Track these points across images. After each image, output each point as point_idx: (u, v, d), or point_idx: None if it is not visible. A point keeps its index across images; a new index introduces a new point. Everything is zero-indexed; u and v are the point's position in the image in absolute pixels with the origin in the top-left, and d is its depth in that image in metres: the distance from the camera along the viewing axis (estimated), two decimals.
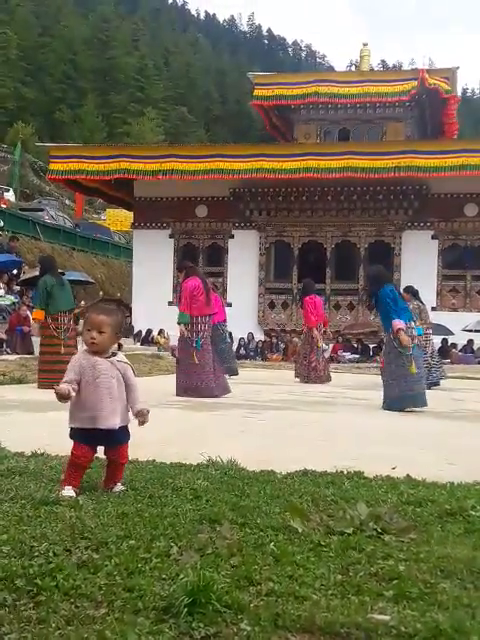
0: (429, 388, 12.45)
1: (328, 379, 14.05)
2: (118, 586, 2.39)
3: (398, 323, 8.99)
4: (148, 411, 3.86)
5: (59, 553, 2.69)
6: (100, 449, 3.89)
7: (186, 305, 10.10)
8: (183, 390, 10.07)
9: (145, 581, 2.42)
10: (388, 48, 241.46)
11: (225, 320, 14.62)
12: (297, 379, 14.20)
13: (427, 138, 28.71)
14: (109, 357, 3.84)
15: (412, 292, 12.87)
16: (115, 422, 3.76)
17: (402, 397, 9.01)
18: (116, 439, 3.82)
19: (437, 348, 22.38)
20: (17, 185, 38.96)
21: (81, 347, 3.98)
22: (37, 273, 25.16)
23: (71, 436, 3.79)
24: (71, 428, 3.79)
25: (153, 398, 9.39)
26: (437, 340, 23.25)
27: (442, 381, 13.57)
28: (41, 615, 2.15)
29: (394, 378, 9.08)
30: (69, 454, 3.81)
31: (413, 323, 9.49)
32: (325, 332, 14.59)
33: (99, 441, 3.80)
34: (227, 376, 14.07)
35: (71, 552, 2.72)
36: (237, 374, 14.51)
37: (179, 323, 10.24)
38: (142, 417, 3.84)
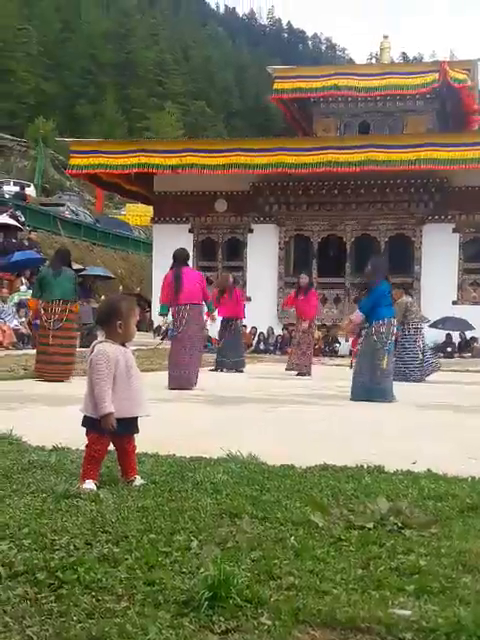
0: (420, 381, 12.82)
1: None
2: (139, 580, 2.40)
3: (359, 317, 9.50)
4: None
5: (80, 546, 2.70)
6: None
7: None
8: (173, 380, 10.00)
9: (166, 575, 2.43)
10: (409, 40, 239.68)
11: (240, 316, 15.05)
12: (293, 372, 14.14)
13: (448, 130, 28.46)
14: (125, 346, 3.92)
15: (404, 288, 13.33)
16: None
17: (370, 389, 9.21)
18: (136, 427, 3.87)
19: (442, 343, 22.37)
20: (39, 181, 39.11)
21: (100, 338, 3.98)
22: None
23: (91, 427, 3.78)
24: (91, 420, 3.77)
25: (171, 393, 9.42)
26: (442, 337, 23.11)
27: (432, 376, 13.48)
28: (62, 608, 2.17)
29: (366, 370, 9.31)
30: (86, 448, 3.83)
31: (394, 320, 9.71)
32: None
33: (122, 430, 3.79)
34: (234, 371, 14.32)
35: (92, 546, 2.73)
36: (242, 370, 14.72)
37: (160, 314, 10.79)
38: None
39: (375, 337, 9.32)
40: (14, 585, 2.33)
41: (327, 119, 28.70)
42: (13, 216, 26.01)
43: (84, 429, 3.84)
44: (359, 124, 28.53)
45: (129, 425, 3.82)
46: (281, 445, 5.37)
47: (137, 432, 3.90)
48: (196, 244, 26.13)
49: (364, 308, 9.54)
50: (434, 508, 3.43)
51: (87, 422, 3.80)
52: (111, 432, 3.71)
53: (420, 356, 13.08)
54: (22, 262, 23.35)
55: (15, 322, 19.25)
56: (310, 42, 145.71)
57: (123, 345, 3.88)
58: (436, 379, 13.14)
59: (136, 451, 3.95)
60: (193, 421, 6.83)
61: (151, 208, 28.75)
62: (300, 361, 14.22)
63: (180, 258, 10.54)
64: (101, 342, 3.83)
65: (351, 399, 9.24)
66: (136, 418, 3.86)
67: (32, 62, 71.61)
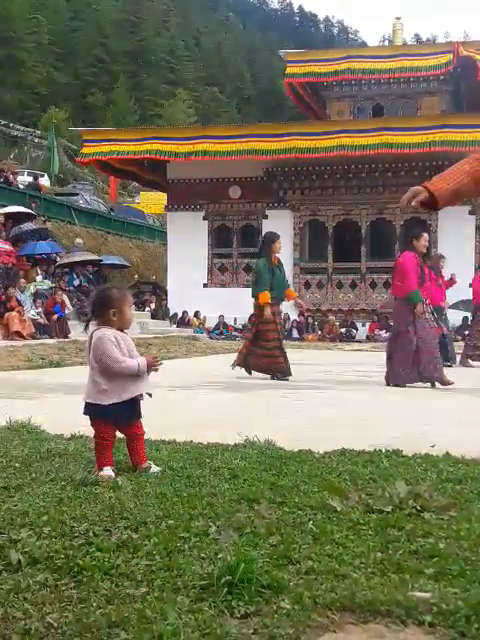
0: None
1: None
2: (158, 565, 2.40)
3: None
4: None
5: (99, 533, 2.71)
6: None
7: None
8: (417, 376, 9.17)
9: (184, 560, 2.43)
10: (422, 22, 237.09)
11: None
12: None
13: (463, 112, 28.22)
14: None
15: None
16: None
17: None
18: (139, 411, 3.87)
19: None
20: (54, 170, 39.04)
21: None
22: (75, 258, 25.28)
23: (95, 415, 3.78)
24: (95, 407, 3.76)
25: (190, 380, 9.44)
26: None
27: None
28: (82, 594, 2.18)
29: None
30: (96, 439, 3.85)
31: None
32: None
33: (126, 415, 3.80)
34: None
35: (111, 532, 2.74)
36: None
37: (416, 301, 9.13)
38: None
39: None
40: (34, 572, 2.34)
41: (340, 102, 28.56)
42: (29, 207, 26.09)
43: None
44: (373, 107, 28.38)
45: (132, 408, 3.82)
46: (298, 430, 5.37)
47: (140, 417, 3.90)
48: (210, 231, 26.10)
49: None
50: (453, 491, 3.41)
51: (89, 410, 3.80)
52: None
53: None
54: (44, 253, 23.36)
55: (33, 312, 19.35)
56: (322, 25, 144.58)
57: (122, 332, 3.89)
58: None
59: (145, 436, 3.94)
60: (210, 407, 6.84)
61: (165, 196, 28.74)
62: None
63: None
64: (98, 328, 3.83)
65: None
66: (139, 402, 3.86)
67: (43, 52, 71.63)
